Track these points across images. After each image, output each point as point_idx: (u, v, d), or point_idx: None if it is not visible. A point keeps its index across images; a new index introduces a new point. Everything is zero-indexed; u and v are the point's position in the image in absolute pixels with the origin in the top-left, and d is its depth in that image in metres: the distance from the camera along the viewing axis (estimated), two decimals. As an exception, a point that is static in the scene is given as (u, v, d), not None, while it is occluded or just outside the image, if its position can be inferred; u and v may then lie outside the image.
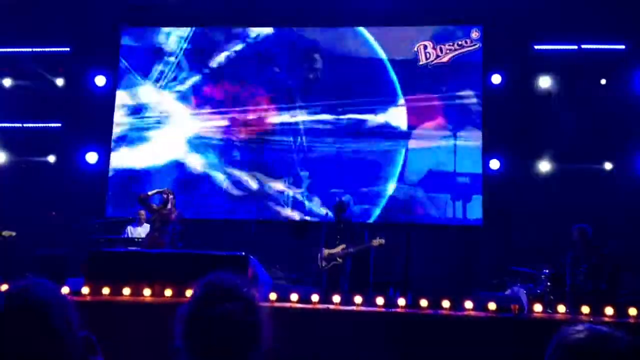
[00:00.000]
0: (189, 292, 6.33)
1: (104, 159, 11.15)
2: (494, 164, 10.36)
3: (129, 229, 9.73)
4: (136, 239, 9.06)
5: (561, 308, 6.45)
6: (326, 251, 8.35)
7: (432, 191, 10.42)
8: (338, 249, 8.35)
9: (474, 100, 10.51)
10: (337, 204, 8.75)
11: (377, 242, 8.31)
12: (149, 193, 8.70)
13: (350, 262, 8.46)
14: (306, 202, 10.63)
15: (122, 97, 11.30)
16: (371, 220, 10.44)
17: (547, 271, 7.87)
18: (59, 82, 11.29)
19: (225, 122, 11.06)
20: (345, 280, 8.36)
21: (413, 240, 10.27)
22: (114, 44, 11.35)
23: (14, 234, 8.58)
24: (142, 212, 9.69)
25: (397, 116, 10.69)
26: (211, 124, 11.10)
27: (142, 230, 9.58)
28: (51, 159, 11.21)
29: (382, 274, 9.60)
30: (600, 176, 10.08)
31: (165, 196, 8.61)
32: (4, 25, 11.02)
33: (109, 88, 11.30)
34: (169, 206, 8.53)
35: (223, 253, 7.14)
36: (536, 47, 10.41)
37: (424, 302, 6.16)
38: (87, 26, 11.11)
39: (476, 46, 10.63)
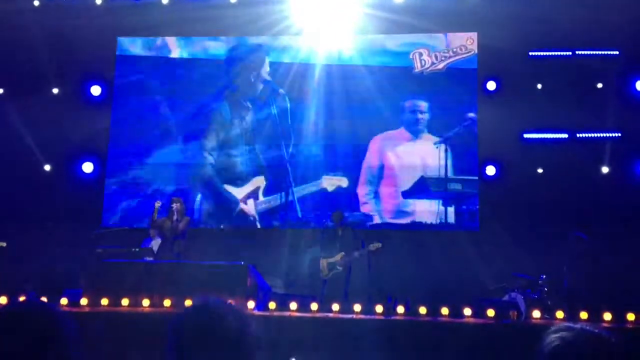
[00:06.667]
0: (188, 303, 6.34)
1: (100, 168, 11.10)
2: (490, 170, 10.39)
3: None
4: (134, 250, 8.97)
5: (559, 314, 6.46)
6: (325, 261, 8.36)
7: (426, 197, 10.41)
8: (337, 257, 8.35)
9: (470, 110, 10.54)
10: (335, 212, 8.78)
11: (374, 246, 8.32)
12: (154, 215, 8.55)
13: (351, 270, 8.46)
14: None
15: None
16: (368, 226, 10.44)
17: (544, 276, 7.88)
18: (54, 91, 11.22)
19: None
20: (347, 287, 8.36)
21: (410, 246, 10.26)
22: (110, 53, 11.32)
23: (4, 244, 8.54)
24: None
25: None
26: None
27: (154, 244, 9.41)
28: (47, 167, 11.11)
29: (380, 281, 9.58)
30: (597, 181, 10.10)
31: (172, 206, 8.50)
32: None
33: (105, 98, 11.27)
34: (175, 217, 8.44)
35: (223, 263, 7.12)
36: (531, 53, 10.45)
37: (423, 310, 6.17)
38: (85, 35, 11.06)
39: (471, 53, 10.66)
